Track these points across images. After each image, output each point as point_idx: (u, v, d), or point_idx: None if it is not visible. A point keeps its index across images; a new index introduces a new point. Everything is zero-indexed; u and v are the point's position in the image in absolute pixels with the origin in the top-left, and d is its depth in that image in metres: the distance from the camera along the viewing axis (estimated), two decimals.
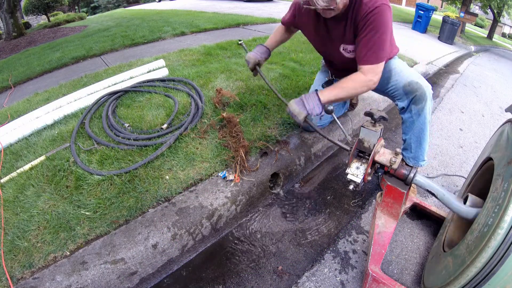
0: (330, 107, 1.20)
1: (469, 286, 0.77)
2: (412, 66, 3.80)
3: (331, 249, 1.36)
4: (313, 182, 1.78)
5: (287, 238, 1.42)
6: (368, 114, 1.15)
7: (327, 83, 1.74)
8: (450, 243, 1.13)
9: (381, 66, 1.29)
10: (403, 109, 1.47)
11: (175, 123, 1.88)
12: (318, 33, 1.49)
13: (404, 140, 1.59)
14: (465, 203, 1.04)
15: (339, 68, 1.66)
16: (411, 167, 1.12)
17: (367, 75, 1.28)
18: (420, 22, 8.66)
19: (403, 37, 6.46)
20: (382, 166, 1.15)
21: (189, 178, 1.46)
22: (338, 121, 1.25)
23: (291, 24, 1.67)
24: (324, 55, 1.70)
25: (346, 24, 1.32)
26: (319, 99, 1.29)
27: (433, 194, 1.09)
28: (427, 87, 1.38)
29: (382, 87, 1.55)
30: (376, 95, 2.52)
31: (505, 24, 24.40)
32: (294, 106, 1.32)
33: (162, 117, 1.93)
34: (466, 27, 11.60)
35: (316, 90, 1.32)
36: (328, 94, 1.31)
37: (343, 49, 1.43)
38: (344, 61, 1.49)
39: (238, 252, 1.35)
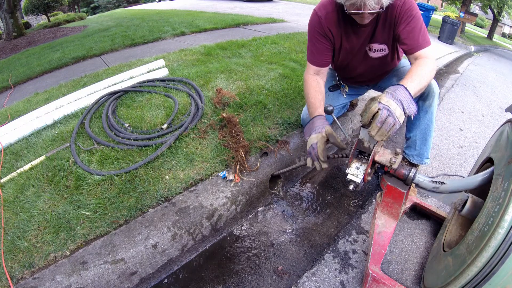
0: (330, 107, 1.20)
1: (470, 286, 0.77)
2: None
3: (331, 249, 1.36)
4: (313, 182, 1.78)
5: (287, 238, 1.42)
6: None
7: (334, 87, 1.73)
8: (450, 243, 1.13)
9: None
10: None
11: (175, 123, 1.88)
12: (349, 41, 1.41)
13: (408, 138, 1.60)
14: (464, 205, 1.04)
15: (357, 74, 1.59)
16: (411, 167, 1.12)
17: (431, 58, 1.21)
18: None
19: None
20: (382, 166, 1.15)
21: (189, 178, 1.46)
22: (338, 121, 1.25)
23: (329, 57, 1.44)
24: (348, 64, 1.54)
25: (377, 25, 1.30)
26: (409, 93, 1.02)
27: (438, 191, 1.08)
28: (435, 85, 1.39)
29: (388, 84, 1.56)
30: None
31: (505, 24, 24.41)
32: (392, 104, 0.97)
33: (162, 117, 1.93)
34: (466, 27, 11.60)
35: (399, 84, 1.05)
36: (412, 84, 1.06)
37: (369, 49, 1.41)
38: (368, 63, 1.47)
39: (238, 252, 1.35)
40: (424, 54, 1.22)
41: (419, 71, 1.14)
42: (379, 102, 0.98)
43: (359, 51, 1.43)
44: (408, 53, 1.27)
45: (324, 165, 1.23)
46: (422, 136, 1.53)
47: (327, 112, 1.21)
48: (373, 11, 1.10)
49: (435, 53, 1.24)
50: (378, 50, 1.40)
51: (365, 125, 1.04)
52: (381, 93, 1.10)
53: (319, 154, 1.20)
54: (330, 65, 1.76)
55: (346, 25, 1.33)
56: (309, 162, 1.27)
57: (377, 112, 0.97)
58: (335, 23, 1.32)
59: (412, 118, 1.46)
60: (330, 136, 1.21)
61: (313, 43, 1.41)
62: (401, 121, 0.99)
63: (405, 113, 1.00)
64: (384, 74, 1.63)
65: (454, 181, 1.07)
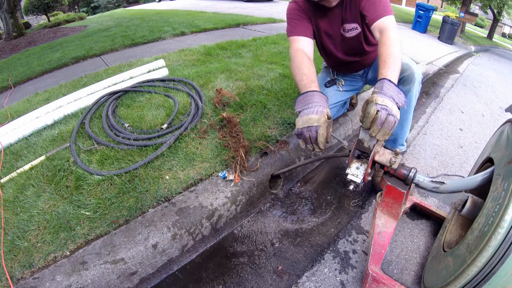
0: None
1: (470, 286, 0.77)
2: None
3: (331, 249, 1.36)
4: (313, 182, 1.78)
5: (287, 238, 1.42)
6: None
7: (330, 82, 1.75)
8: (450, 243, 1.13)
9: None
10: None
11: (175, 123, 1.88)
12: (323, 25, 1.48)
13: None
14: (464, 205, 1.04)
15: (342, 59, 1.61)
16: (411, 167, 1.12)
17: (392, 27, 1.20)
18: (420, 22, 8.67)
19: (403, 37, 6.46)
20: (382, 166, 1.15)
21: (189, 178, 1.46)
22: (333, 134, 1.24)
23: (310, 30, 1.43)
24: (330, 50, 1.58)
25: (344, 5, 1.38)
26: (394, 84, 1.03)
27: (438, 191, 1.09)
28: (416, 70, 1.39)
29: (377, 75, 1.58)
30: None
31: (505, 24, 24.40)
32: (389, 102, 0.97)
33: (162, 117, 1.93)
34: (466, 27, 11.60)
35: (382, 79, 1.05)
36: (392, 73, 1.06)
37: (343, 30, 1.47)
38: (347, 44, 1.52)
39: (238, 252, 1.35)
40: (384, 23, 1.22)
41: (390, 52, 1.12)
42: (376, 103, 0.97)
43: (335, 34, 1.49)
44: (369, 24, 1.29)
45: (321, 149, 1.09)
46: (399, 121, 1.51)
47: None
48: None
49: (395, 22, 1.25)
50: (351, 29, 1.45)
51: (367, 128, 1.02)
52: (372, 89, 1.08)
53: (319, 142, 1.05)
54: (323, 66, 1.78)
55: (318, 11, 1.42)
56: (301, 144, 1.10)
57: (377, 113, 0.96)
58: (308, 10, 1.43)
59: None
60: (330, 118, 1.08)
61: (293, 21, 1.42)
62: (398, 117, 0.99)
63: (398, 107, 1.01)
64: (368, 59, 1.65)
65: (453, 181, 1.07)
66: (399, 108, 1.01)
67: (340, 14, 1.42)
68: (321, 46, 1.63)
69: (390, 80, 1.04)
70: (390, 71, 1.07)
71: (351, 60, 1.63)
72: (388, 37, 1.17)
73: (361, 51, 1.58)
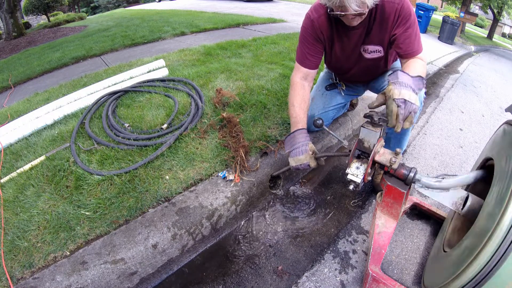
0: (319, 121, 1.17)
1: (470, 286, 0.77)
2: None
3: (331, 249, 1.36)
4: (313, 182, 1.78)
5: (287, 238, 1.42)
6: (368, 116, 1.15)
7: (331, 86, 1.73)
8: (450, 243, 1.13)
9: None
10: None
11: (175, 123, 1.88)
12: (340, 43, 1.41)
13: (386, 133, 1.63)
14: (465, 203, 1.04)
15: (353, 74, 1.57)
16: (411, 167, 1.12)
17: (423, 60, 1.29)
18: (420, 22, 8.67)
19: None
20: (382, 166, 1.15)
21: (189, 178, 1.46)
22: (331, 131, 1.24)
23: (319, 60, 1.45)
24: (342, 65, 1.54)
25: (370, 26, 1.30)
26: (408, 74, 1.06)
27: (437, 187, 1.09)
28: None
29: (380, 83, 1.59)
30: (375, 96, 2.51)
31: (505, 24, 24.41)
32: (406, 93, 0.99)
33: (162, 117, 1.93)
34: (466, 27, 11.61)
35: (395, 70, 1.09)
36: (409, 71, 1.12)
37: (363, 50, 1.40)
38: (362, 64, 1.47)
39: (238, 252, 1.35)
40: (417, 58, 1.27)
41: (413, 66, 1.19)
42: (394, 99, 0.99)
43: (352, 53, 1.43)
44: (402, 56, 1.30)
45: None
46: (396, 135, 1.55)
47: (317, 125, 1.18)
48: (356, 12, 1.10)
49: (426, 56, 1.31)
50: (374, 51, 1.40)
51: (392, 126, 1.04)
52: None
53: (312, 167, 1.29)
54: (325, 67, 1.78)
55: (338, 27, 1.34)
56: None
57: (398, 109, 0.99)
58: (327, 25, 1.34)
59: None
60: (314, 152, 1.32)
61: (305, 45, 1.42)
62: (418, 104, 1.02)
63: (416, 94, 1.03)
64: (378, 75, 1.63)
65: (449, 180, 1.08)
66: (416, 94, 1.04)
67: (363, 32, 1.33)
68: (330, 60, 1.53)
69: (403, 71, 1.06)
70: (407, 70, 1.11)
71: (359, 76, 1.61)
72: (416, 60, 1.24)
73: (374, 72, 1.55)
